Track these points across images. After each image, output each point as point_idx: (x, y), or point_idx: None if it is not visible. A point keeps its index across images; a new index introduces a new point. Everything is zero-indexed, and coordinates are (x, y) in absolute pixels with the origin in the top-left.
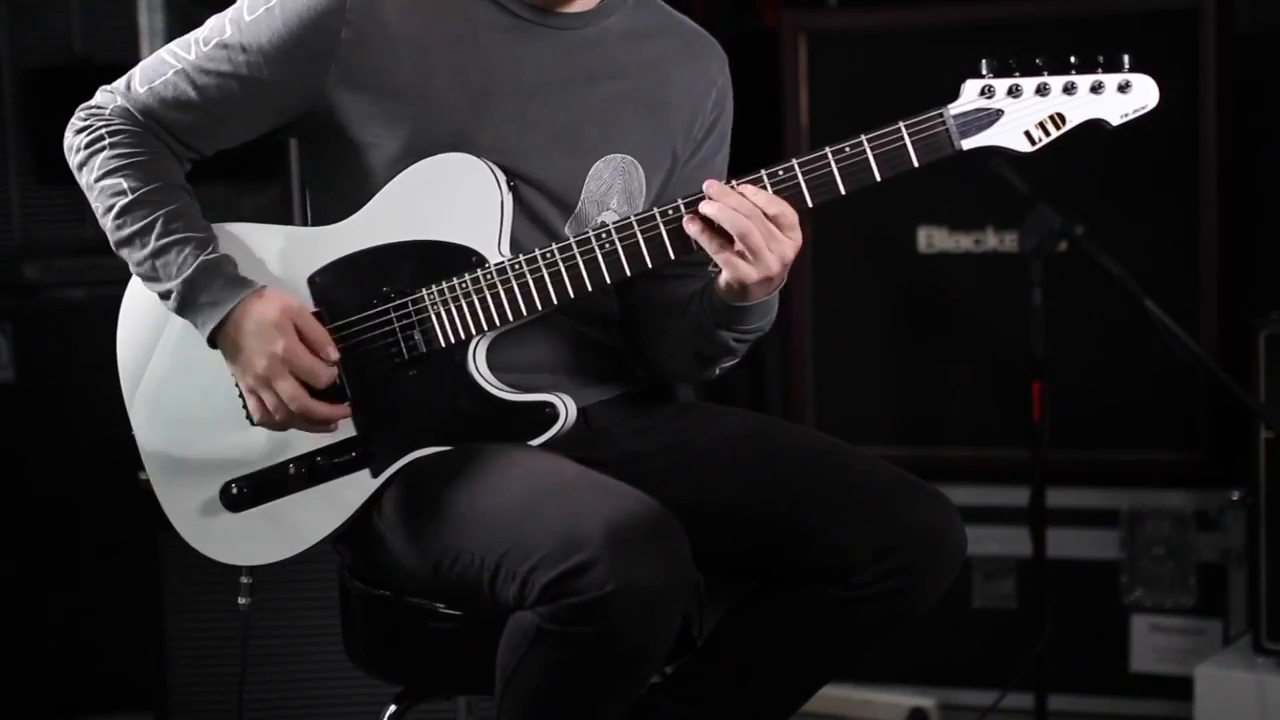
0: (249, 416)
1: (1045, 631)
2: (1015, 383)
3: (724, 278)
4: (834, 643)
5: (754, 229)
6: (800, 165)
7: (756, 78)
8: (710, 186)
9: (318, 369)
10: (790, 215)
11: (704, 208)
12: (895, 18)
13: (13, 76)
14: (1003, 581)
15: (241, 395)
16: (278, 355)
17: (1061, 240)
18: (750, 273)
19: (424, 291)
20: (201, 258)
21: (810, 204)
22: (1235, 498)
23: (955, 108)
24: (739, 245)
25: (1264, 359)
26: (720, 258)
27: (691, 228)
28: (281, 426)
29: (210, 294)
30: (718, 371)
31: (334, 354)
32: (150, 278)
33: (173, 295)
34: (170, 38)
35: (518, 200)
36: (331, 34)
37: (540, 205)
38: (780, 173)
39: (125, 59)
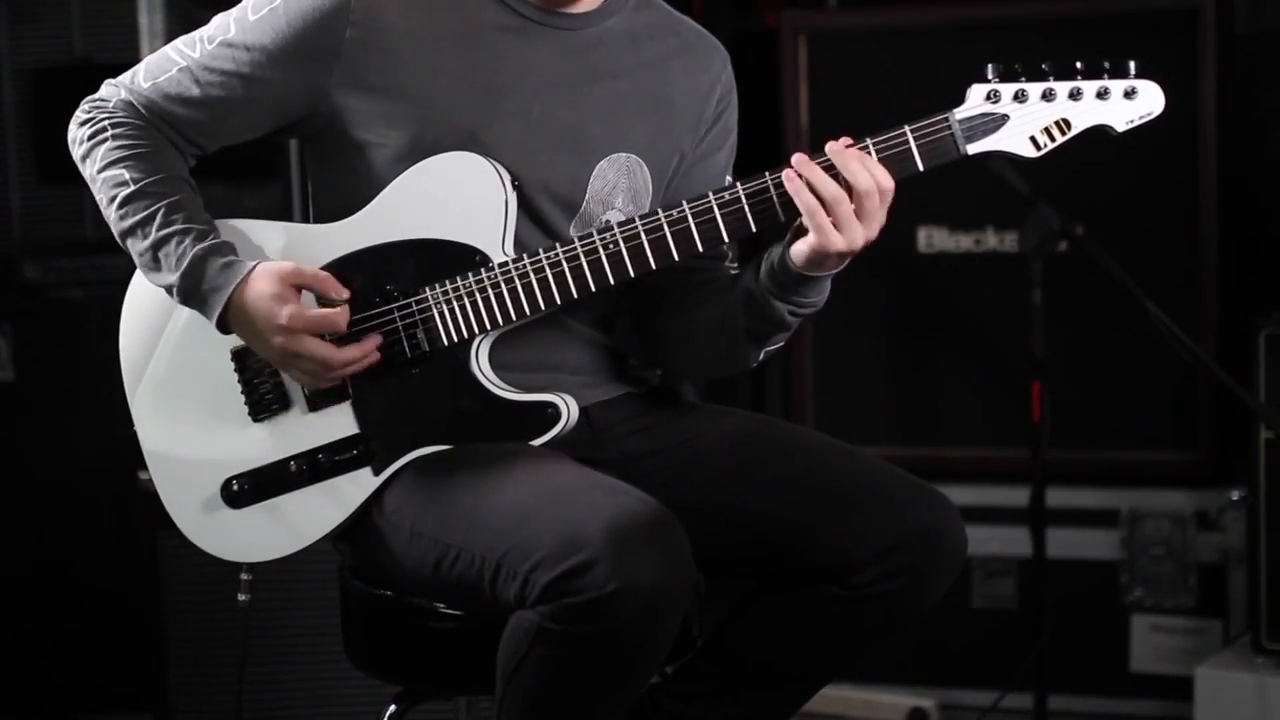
0: (251, 413)
1: (1045, 631)
2: (1015, 383)
3: (808, 243)
4: (834, 643)
5: (844, 200)
6: None
7: (756, 78)
8: (831, 148)
9: (330, 316)
10: (890, 194)
11: (808, 172)
12: (895, 18)
13: (13, 76)
14: (1003, 581)
15: (244, 391)
16: (285, 325)
17: (1061, 240)
18: (838, 242)
19: (427, 290)
20: (198, 247)
21: None
22: (1235, 498)
23: (961, 112)
24: (834, 213)
25: (1264, 359)
26: (811, 221)
27: (791, 185)
28: (335, 387)
29: (208, 281)
30: (762, 356)
31: (344, 292)
32: (152, 269)
33: (175, 289)
34: (170, 38)
35: (522, 200)
36: (336, 34)
37: (545, 205)
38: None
39: (125, 59)
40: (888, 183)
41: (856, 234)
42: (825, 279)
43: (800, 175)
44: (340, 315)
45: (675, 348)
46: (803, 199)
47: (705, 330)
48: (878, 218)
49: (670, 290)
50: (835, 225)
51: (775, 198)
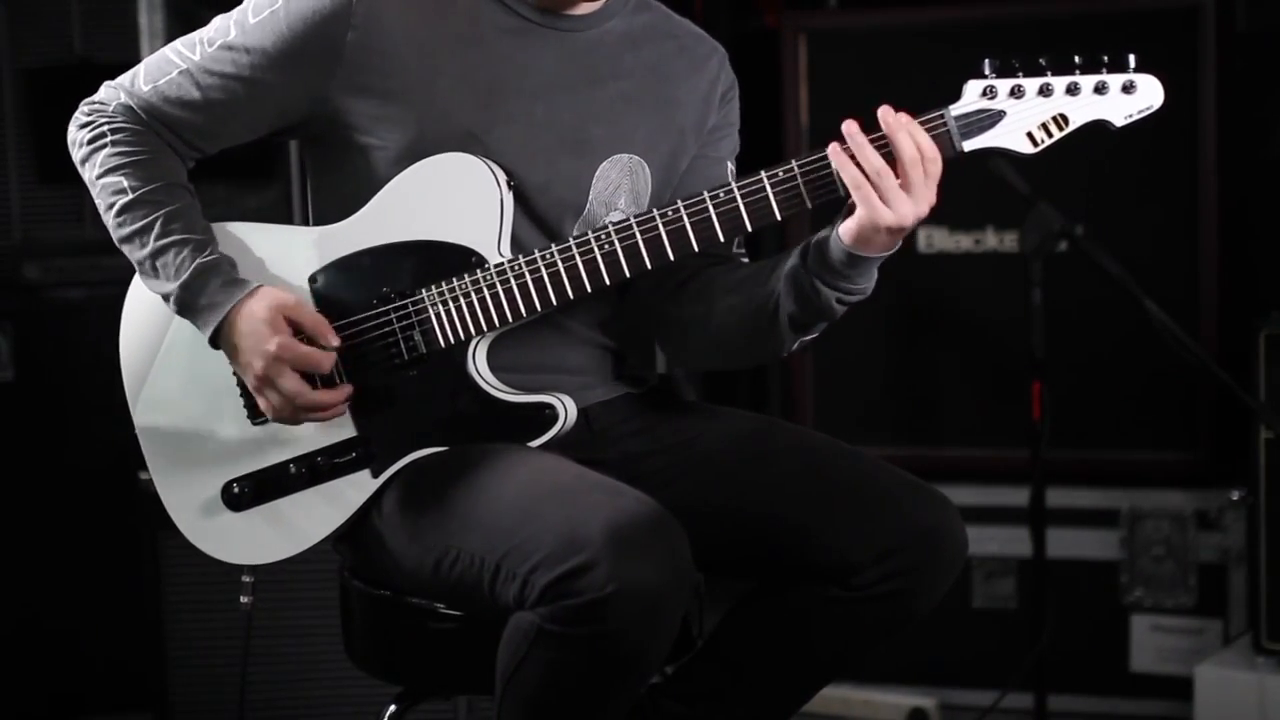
0: (250, 416)
1: (1045, 631)
2: (1015, 383)
3: (856, 218)
4: (834, 643)
5: (889, 173)
6: (800, 166)
7: (756, 78)
8: (884, 117)
9: (315, 357)
10: (937, 168)
11: (855, 145)
12: (895, 18)
13: (13, 76)
14: (1003, 581)
15: (243, 395)
16: (272, 353)
17: (1061, 240)
18: (886, 216)
19: (424, 292)
20: (198, 260)
21: (810, 205)
22: (1235, 498)
23: (957, 109)
24: (878, 185)
25: (1264, 359)
26: (858, 194)
27: (836, 159)
28: (293, 422)
29: (207, 296)
30: (796, 346)
31: (334, 340)
32: (150, 277)
33: (172, 298)
34: (170, 38)
35: (524, 202)
36: (336, 37)
37: (547, 207)
38: (780, 174)
39: (125, 59)
40: (933, 153)
41: (905, 208)
42: (873, 264)
43: (845, 148)
44: (326, 359)
45: (697, 336)
46: (848, 173)
47: (732, 318)
48: (925, 192)
49: (689, 278)
50: (882, 199)
51: (771, 196)
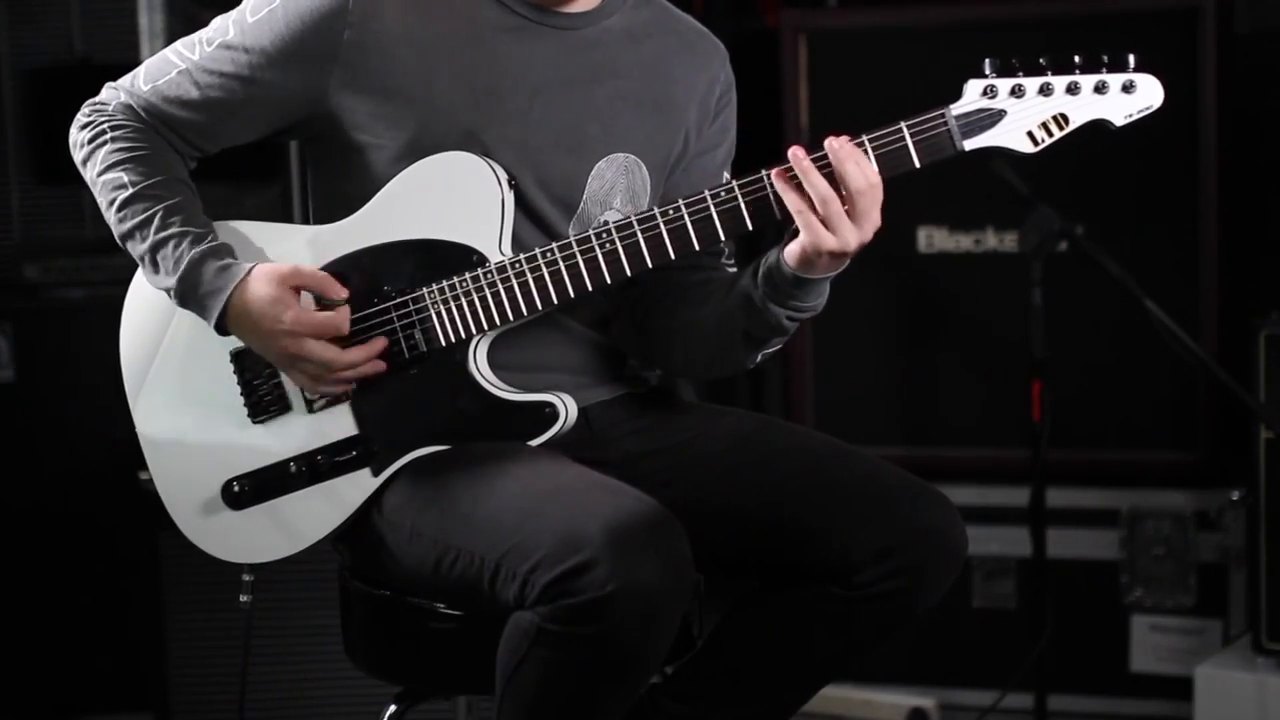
0: (250, 415)
1: (1045, 631)
2: (1015, 383)
3: (799, 243)
4: (834, 643)
5: (834, 199)
6: None
7: (756, 78)
8: (830, 145)
9: (332, 319)
10: (880, 194)
11: (799, 170)
12: (895, 18)
13: (13, 76)
14: (1003, 581)
15: (244, 393)
16: (287, 329)
17: (1061, 240)
18: (829, 242)
19: (424, 290)
20: (195, 249)
21: None
22: (1235, 498)
23: (957, 108)
24: (823, 212)
25: (1264, 359)
26: (801, 219)
27: (780, 184)
28: (336, 390)
29: (206, 284)
30: (759, 358)
31: (343, 292)
32: (151, 271)
33: (172, 291)
34: (170, 37)
35: (520, 200)
36: (334, 36)
37: (543, 205)
38: None
39: (125, 59)
40: (877, 179)
41: (848, 234)
42: (822, 283)
43: (789, 174)
44: (342, 317)
45: (671, 348)
46: (790, 199)
47: (701, 332)
48: (871, 217)
49: (668, 290)
50: (825, 224)
51: (771, 195)
